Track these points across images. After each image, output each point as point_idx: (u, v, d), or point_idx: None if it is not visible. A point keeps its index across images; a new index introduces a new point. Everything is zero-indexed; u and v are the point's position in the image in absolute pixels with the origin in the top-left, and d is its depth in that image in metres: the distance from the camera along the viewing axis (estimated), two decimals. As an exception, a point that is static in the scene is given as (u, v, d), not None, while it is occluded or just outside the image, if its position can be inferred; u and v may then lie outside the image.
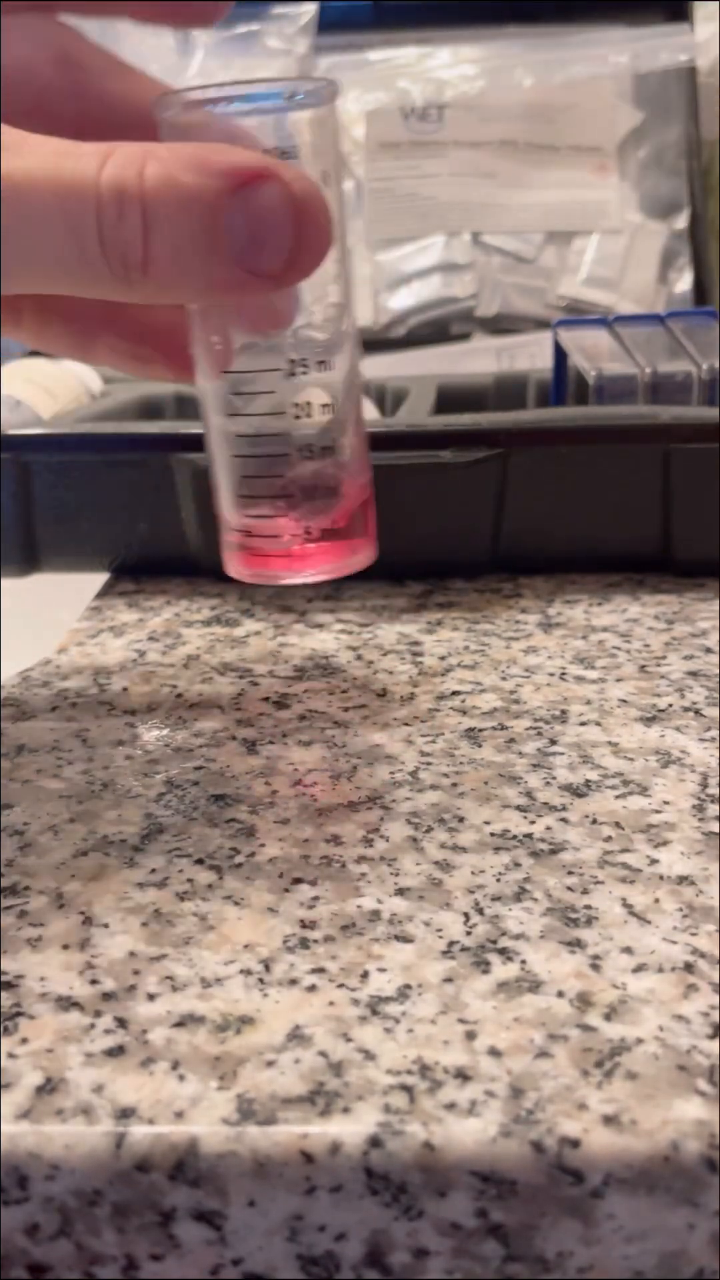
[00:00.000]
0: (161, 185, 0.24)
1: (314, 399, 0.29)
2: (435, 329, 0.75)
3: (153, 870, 0.25)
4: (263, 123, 0.27)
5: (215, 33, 0.78)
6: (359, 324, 0.30)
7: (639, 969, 0.22)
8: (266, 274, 0.25)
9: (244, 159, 0.24)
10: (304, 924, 0.23)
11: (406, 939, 0.23)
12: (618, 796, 0.28)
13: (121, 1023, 0.21)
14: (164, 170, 0.24)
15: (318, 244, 0.25)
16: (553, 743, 0.30)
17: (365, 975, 0.22)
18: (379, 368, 0.66)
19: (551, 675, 0.34)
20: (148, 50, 0.76)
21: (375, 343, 0.73)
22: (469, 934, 0.23)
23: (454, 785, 0.28)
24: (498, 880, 0.24)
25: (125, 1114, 0.19)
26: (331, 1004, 0.21)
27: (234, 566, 0.32)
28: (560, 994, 0.21)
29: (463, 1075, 0.19)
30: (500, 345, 0.73)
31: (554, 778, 0.29)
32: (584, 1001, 0.21)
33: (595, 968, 0.22)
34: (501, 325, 0.75)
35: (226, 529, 0.31)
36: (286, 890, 0.24)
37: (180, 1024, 0.21)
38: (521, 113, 0.77)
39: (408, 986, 0.21)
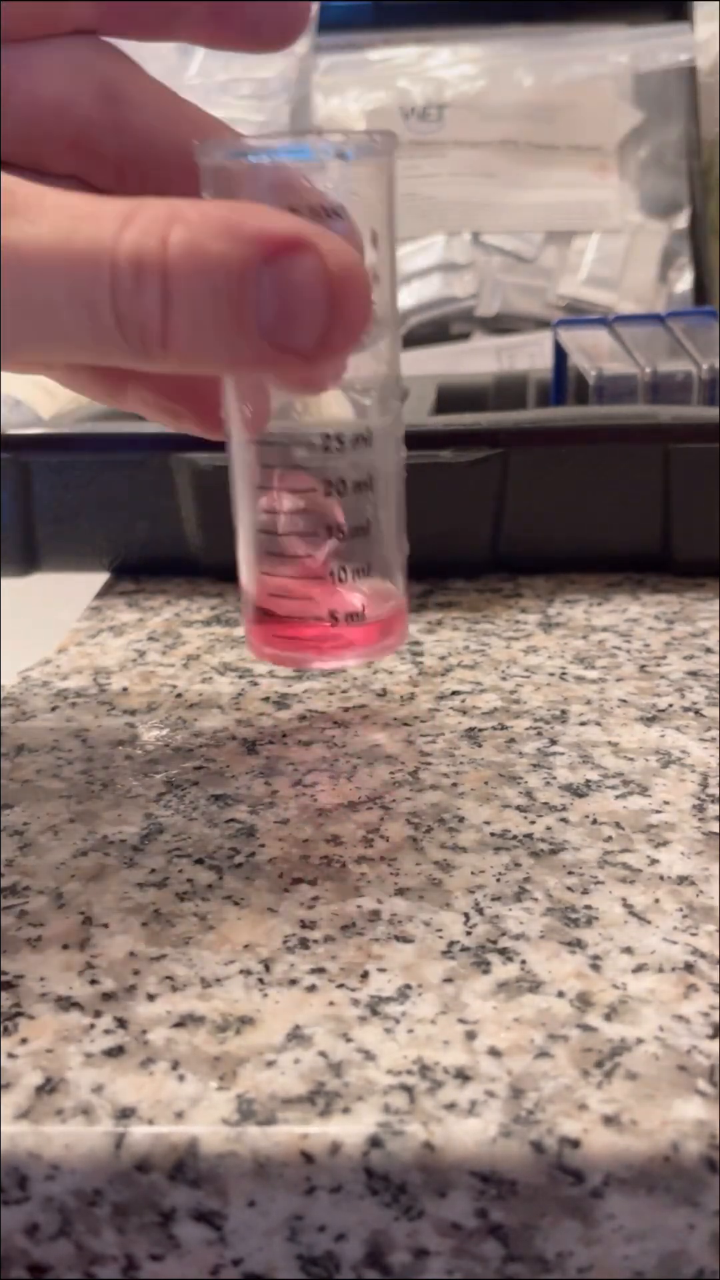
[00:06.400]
0: (185, 254, 0.21)
1: (348, 476, 0.27)
2: (435, 329, 0.75)
3: (153, 870, 0.25)
4: (312, 175, 0.25)
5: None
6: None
7: (639, 969, 0.22)
8: (297, 352, 0.23)
9: (278, 225, 0.22)
10: (304, 924, 0.23)
11: (406, 939, 0.23)
12: (618, 796, 0.28)
13: (121, 1023, 0.21)
14: (190, 237, 0.21)
15: (354, 322, 0.23)
16: (553, 743, 0.30)
17: (365, 975, 0.22)
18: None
19: (551, 675, 0.34)
20: (146, 49, 0.76)
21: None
22: (469, 934, 0.23)
23: (454, 785, 0.28)
24: (498, 880, 0.24)
25: (125, 1114, 0.19)
26: (331, 1004, 0.21)
27: (254, 643, 0.30)
28: (560, 994, 0.21)
29: (463, 1075, 0.19)
30: (500, 345, 0.73)
31: (554, 778, 0.29)
32: (584, 1001, 0.21)
33: (595, 968, 0.22)
34: (501, 325, 0.75)
35: (246, 602, 0.30)
36: (286, 890, 0.24)
37: (180, 1024, 0.21)
38: (522, 112, 0.77)
39: (408, 986, 0.21)
